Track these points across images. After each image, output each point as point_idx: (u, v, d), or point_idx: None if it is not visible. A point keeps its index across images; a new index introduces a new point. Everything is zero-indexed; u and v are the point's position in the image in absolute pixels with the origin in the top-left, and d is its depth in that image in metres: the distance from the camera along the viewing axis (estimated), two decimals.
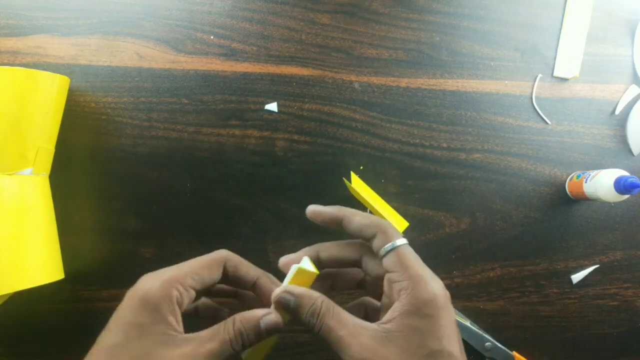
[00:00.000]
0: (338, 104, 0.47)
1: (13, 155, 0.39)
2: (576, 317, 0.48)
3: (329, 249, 0.32)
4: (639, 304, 0.49)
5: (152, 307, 0.26)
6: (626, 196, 0.41)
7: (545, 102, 0.49)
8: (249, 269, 0.31)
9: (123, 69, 0.45)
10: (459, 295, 0.48)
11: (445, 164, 0.48)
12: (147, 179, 0.45)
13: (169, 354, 0.26)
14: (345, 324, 0.28)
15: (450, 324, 0.28)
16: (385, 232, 0.30)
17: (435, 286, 0.28)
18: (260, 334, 0.28)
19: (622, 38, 0.50)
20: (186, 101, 0.46)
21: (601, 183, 0.41)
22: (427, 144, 0.48)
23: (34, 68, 0.41)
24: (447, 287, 0.48)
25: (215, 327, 0.28)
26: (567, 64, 0.49)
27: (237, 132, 0.46)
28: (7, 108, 0.38)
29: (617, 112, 0.49)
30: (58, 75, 0.41)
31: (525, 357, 0.47)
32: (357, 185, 0.46)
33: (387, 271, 0.29)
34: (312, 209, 0.33)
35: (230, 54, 0.46)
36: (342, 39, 0.47)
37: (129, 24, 0.46)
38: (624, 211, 0.49)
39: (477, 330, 0.47)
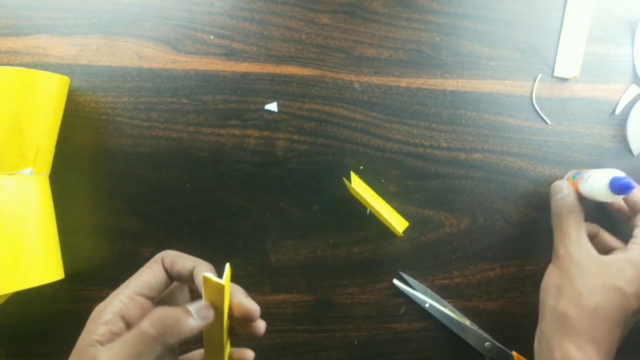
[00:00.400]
0: (338, 104, 0.47)
1: (13, 155, 0.39)
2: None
3: None
4: None
5: (91, 321, 0.29)
6: (622, 196, 0.41)
7: (545, 102, 0.49)
8: (185, 261, 0.31)
9: (123, 69, 0.45)
10: (459, 295, 0.48)
11: (445, 164, 0.48)
12: (147, 179, 0.45)
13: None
14: (581, 230, 0.40)
15: None
16: None
17: None
18: (190, 327, 0.28)
19: (623, 38, 0.50)
20: (186, 101, 0.46)
21: (596, 184, 0.41)
22: (427, 144, 0.48)
23: (34, 68, 0.42)
24: (447, 287, 0.49)
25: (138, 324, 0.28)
26: (567, 64, 0.49)
27: (237, 132, 0.46)
28: (7, 108, 0.38)
29: (617, 112, 0.49)
30: (58, 75, 0.41)
31: (525, 357, 0.47)
32: (357, 185, 0.46)
33: (634, 234, 0.40)
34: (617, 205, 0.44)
35: (230, 54, 0.46)
36: (342, 39, 0.47)
37: (129, 24, 0.46)
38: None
39: (477, 330, 0.47)
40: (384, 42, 0.48)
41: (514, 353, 0.47)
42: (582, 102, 0.49)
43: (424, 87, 0.48)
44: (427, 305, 0.47)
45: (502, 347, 0.47)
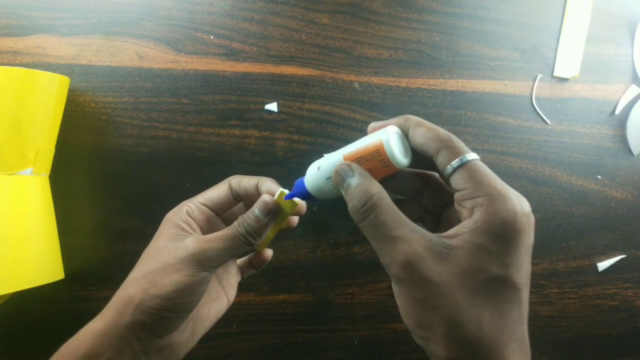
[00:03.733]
0: (338, 104, 0.47)
1: (13, 155, 0.39)
2: (576, 317, 0.48)
3: (416, 135, 0.28)
4: (639, 304, 0.49)
5: (167, 221, 0.33)
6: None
7: (545, 102, 0.49)
8: (250, 178, 0.35)
9: (123, 69, 0.45)
10: None
11: None
12: (147, 179, 0.45)
13: (178, 244, 0.31)
14: (400, 225, 0.25)
15: (525, 252, 0.25)
16: (451, 147, 0.25)
17: (518, 204, 0.24)
18: (257, 218, 0.32)
19: (622, 38, 0.50)
20: (186, 101, 0.46)
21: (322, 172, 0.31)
22: None
23: (34, 68, 0.42)
24: None
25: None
26: (567, 64, 0.49)
27: (237, 132, 0.46)
28: (7, 108, 0.38)
29: (617, 112, 0.49)
30: (58, 75, 0.41)
31: None
32: None
33: (456, 190, 0.25)
34: (373, 125, 0.30)
35: (230, 54, 0.46)
36: (342, 39, 0.47)
37: (129, 24, 0.46)
38: (623, 211, 0.49)
39: None
40: (384, 42, 0.48)
41: None
42: (582, 102, 0.49)
43: (424, 87, 0.48)
44: None
45: None
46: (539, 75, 0.49)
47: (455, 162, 0.25)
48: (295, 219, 0.36)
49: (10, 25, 0.45)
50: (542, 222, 0.48)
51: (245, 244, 0.32)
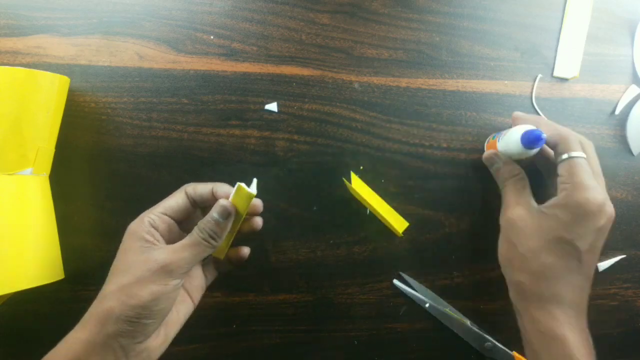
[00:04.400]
0: (338, 104, 0.47)
1: (13, 155, 0.39)
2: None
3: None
4: (639, 304, 0.49)
5: (131, 234, 0.35)
6: (534, 151, 0.39)
7: (545, 102, 0.49)
8: (204, 185, 0.38)
9: (123, 69, 0.45)
10: (459, 295, 0.48)
11: (445, 164, 0.48)
12: (147, 179, 0.45)
13: (147, 257, 0.33)
14: (519, 193, 0.40)
15: (591, 229, 0.35)
16: (566, 142, 0.37)
17: (590, 196, 0.35)
18: (216, 222, 0.35)
19: (622, 38, 0.50)
20: (186, 101, 0.46)
21: (511, 139, 0.40)
22: (427, 144, 0.48)
23: (34, 68, 0.41)
24: (447, 287, 0.49)
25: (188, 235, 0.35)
26: (567, 64, 0.49)
27: (237, 132, 0.46)
28: (7, 108, 0.38)
29: (617, 112, 0.49)
30: (58, 75, 0.41)
31: (525, 357, 0.47)
32: (357, 185, 0.46)
33: (559, 175, 0.37)
34: (516, 115, 0.43)
35: (230, 54, 0.46)
36: (342, 39, 0.47)
37: (129, 24, 0.46)
38: (624, 211, 0.49)
39: (477, 330, 0.47)
40: (384, 42, 0.48)
41: (514, 353, 0.47)
42: (581, 102, 0.49)
43: (424, 87, 0.48)
44: (427, 305, 0.47)
45: (502, 347, 0.47)
46: (539, 75, 0.49)
47: (564, 156, 0.37)
48: (259, 222, 0.40)
49: (10, 25, 0.45)
50: None
51: (208, 247, 0.35)
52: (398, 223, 0.46)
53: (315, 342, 0.47)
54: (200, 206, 0.39)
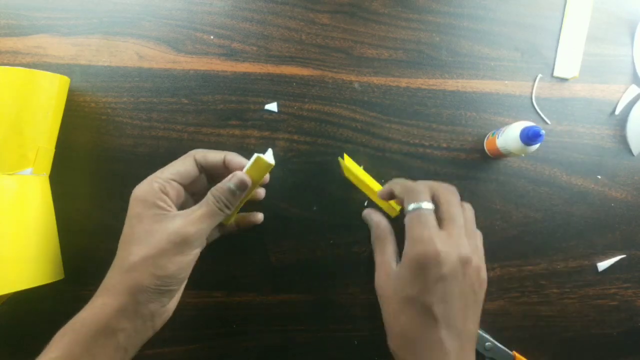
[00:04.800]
0: (338, 104, 0.47)
1: (13, 155, 0.39)
2: (576, 317, 0.48)
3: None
4: (639, 304, 0.49)
5: (142, 200, 0.35)
6: (535, 147, 0.40)
7: (545, 102, 0.49)
8: (215, 153, 0.38)
9: (123, 69, 0.45)
10: None
11: (445, 164, 0.48)
12: None
13: (165, 226, 0.34)
14: (381, 254, 0.39)
15: (432, 281, 0.34)
16: (409, 194, 0.37)
17: (424, 248, 0.34)
18: (232, 192, 0.36)
19: (622, 38, 0.50)
20: (186, 101, 0.46)
21: (510, 136, 0.41)
22: (427, 144, 0.48)
23: (34, 68, 0.42)
24: None
25: (200, 202, 0.36)
26: (567, 64, 0.49)
27: (237, 132, 0.46)
28: (8, 108, 0.38)
29: (617, 112, 0.49)
30: (58, 75, 0.41)
31: (525, 357, 0.47)
32: (351, 165, 0.46)
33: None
34: (381, 193, 0.42)
35: (230, 54, 0.46)
36: (342, 39, 0.47)
37: (129, 24, 0.46)
38: (623, 211, 0.49)
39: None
40: (384, 42, 0.48)
41: (514, 353, 0.47)
42: (581, 102, 0.49)
43: (423, 87, 0.48)
44: None
45: (502, 347, 0.47)
46: (539, 76, 0.49)
47: (407, 209, 0.37)
48: (262, 193, 0.43)
49: (11, 25, 0.45)
50: (542, 222, 0.48)
51: (222, 216, 0.36)
52: (393, 201, 0.45)
53: (315, 342, 0.46)
54: (207, 173, 0.40)
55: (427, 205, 0.36)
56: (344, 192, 0.47)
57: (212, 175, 0.40)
